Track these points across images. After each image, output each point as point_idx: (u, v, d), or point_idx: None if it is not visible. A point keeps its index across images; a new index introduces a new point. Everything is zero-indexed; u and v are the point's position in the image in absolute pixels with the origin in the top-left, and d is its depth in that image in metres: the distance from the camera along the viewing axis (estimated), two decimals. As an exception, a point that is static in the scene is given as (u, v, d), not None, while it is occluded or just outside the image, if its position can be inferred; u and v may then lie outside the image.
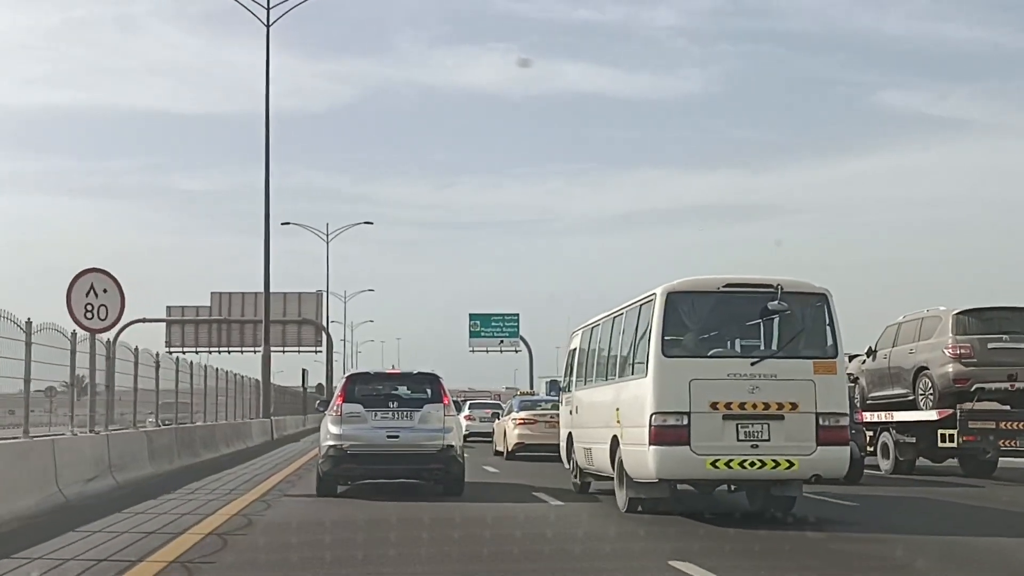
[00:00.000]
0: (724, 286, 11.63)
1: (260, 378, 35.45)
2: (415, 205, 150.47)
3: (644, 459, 11.23)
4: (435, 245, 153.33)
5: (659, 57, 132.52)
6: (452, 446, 14.39)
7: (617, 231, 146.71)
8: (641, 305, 12.24)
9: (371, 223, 60.05)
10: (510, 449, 23.83)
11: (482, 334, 56.71)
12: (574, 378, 15.53)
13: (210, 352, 52.26)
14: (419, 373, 15.30)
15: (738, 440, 11.09)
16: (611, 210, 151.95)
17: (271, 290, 57.73)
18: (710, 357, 11.49)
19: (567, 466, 15.53)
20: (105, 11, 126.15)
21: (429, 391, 14.79)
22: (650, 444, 11.08)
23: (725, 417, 11.06)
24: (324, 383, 61.46)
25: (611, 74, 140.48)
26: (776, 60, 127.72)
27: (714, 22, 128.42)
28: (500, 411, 28.66)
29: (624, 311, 13.02)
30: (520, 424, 23.58)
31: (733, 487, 12.20)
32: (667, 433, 11.06)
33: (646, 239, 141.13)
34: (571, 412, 15.35)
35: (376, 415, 14.41)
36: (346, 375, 15.79)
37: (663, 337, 11.32)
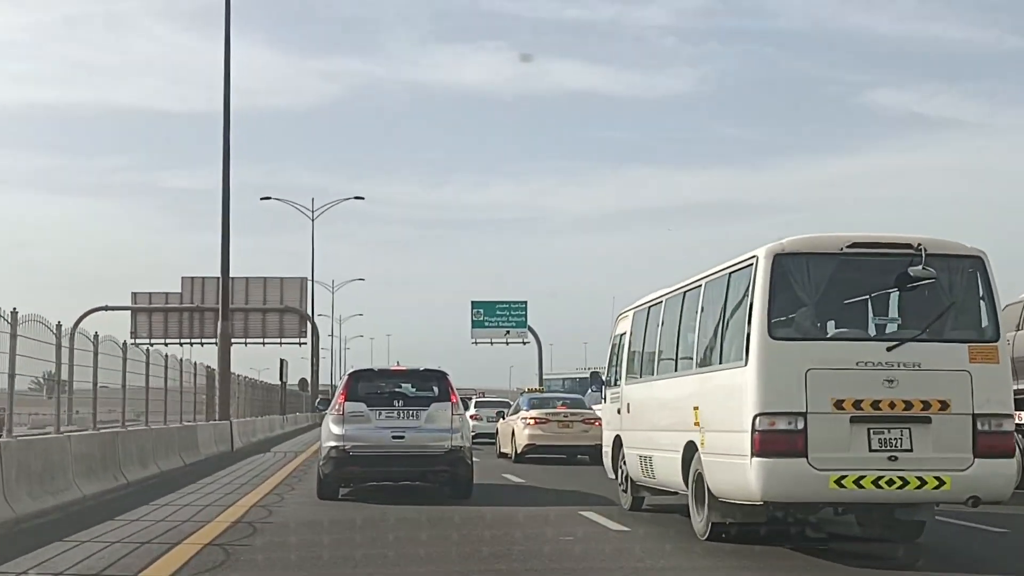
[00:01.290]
0: (848, 246, 9.40)
1: (219, 368, 28.58)
2: (406, 203, 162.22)
3: (742, 474, 9.18)
4: (426, 243, 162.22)
5: (650, 56, 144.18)
6: (460, 447, 14.49)
7: (608, 229, 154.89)
8: (731, 274, 10.15)
9: (362, 198, 59.57)
10: (519, 451, 23.40)
11: (486, 324, 54.22)
12: (623, 370, 13.83)
13: (181, 344, 50.01)
14: (425, 370, 15.30)
15: (871, 450, 8.97)
16: (602, 208, 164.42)
17: (250, 275, 57.06)
18: (832, 340, 9.43)
19: (612, 476, 13.97)
20: (94, 8, 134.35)
21: (436, 389, 14.83)
22: (753, 455, 9.00)
23: (853, 420, 8.98)
24: (309, 378, 59.69)
25: (602, 73, 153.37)
26: (767, 59, 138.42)
27: (705, 21, 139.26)
28: (504, 410, 28.45)
29: (702, 283, 10.96)
30: (531, 424, 23.27)
31: (841, 508, 10.31)
32: (777, 441, 8.96)
33: (637, 237, 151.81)
34: (619, 411, 13.68)
35: (380, 414, 14.46)
36: (349, 372, 15.72)
37: (770, 313, 9.20)
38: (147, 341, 45.37)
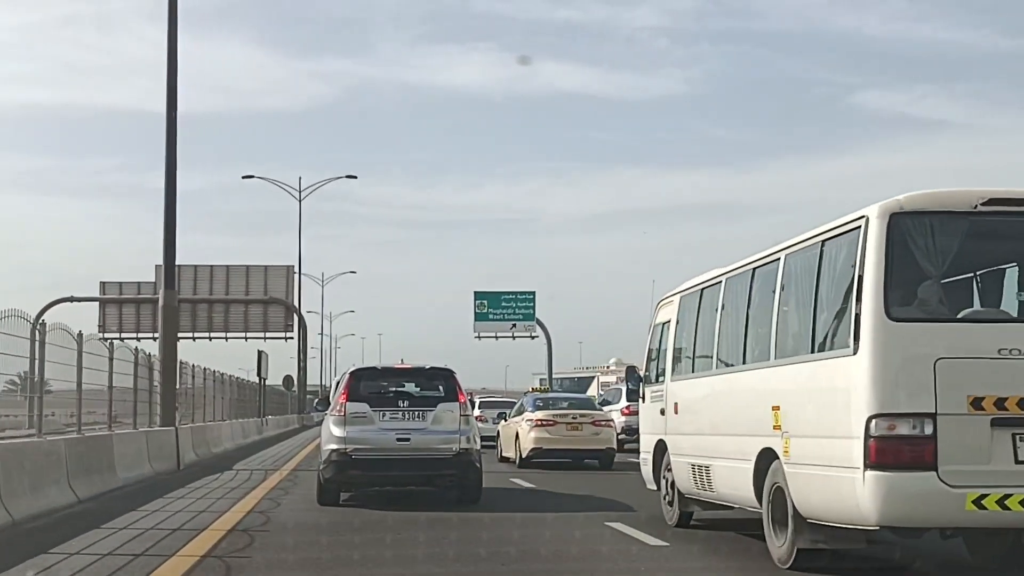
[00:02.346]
0: (984, 203, 7.91)
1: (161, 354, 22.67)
2: (397, 204, 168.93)
3: (848, 491, 7.76)
4: (417, 244, 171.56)
5: (641, 57, 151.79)
6: (469, 450, 14.45)
7: (600, 230, 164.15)
8: (825, 242, 8.66)
9: (354, 176, 58.78)
10: (524, 455, 23.00)
11: (490, 316, 52.25)
12: (667, 364, 12.64)
13: (155, 338, 48.40)
14: (431, 368, 15.14)
15: (1017, 462, 7.54)
16: (593, 209, 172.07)
17: (231, 263, 55.48)
18: (967, 321, 7.96)
19: (652, 487, 13.02)
20: (84, 9, 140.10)
21: (443, 388, 14.76)
22: (867, 467, 7.59)
23: (995, 423, 7.56)
24: (296, 375, 58.09)
25: (593, 74, 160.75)
26: (757, 61, 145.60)
27: (696, 22, 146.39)
28: (506, 411, 27.88)
29: (781, 257, 9.52)
30: (537, 426, 22.90)
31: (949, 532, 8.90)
32: (899, 450, 7.52)
33: (630, 238, 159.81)
34: (662, 412, 12.50)
35: (384, 415, 14.39)
36: (350, 370, 15.49)
37: (887, 288, 7.73)
38: (117, 335, 43.97)
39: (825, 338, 8.55)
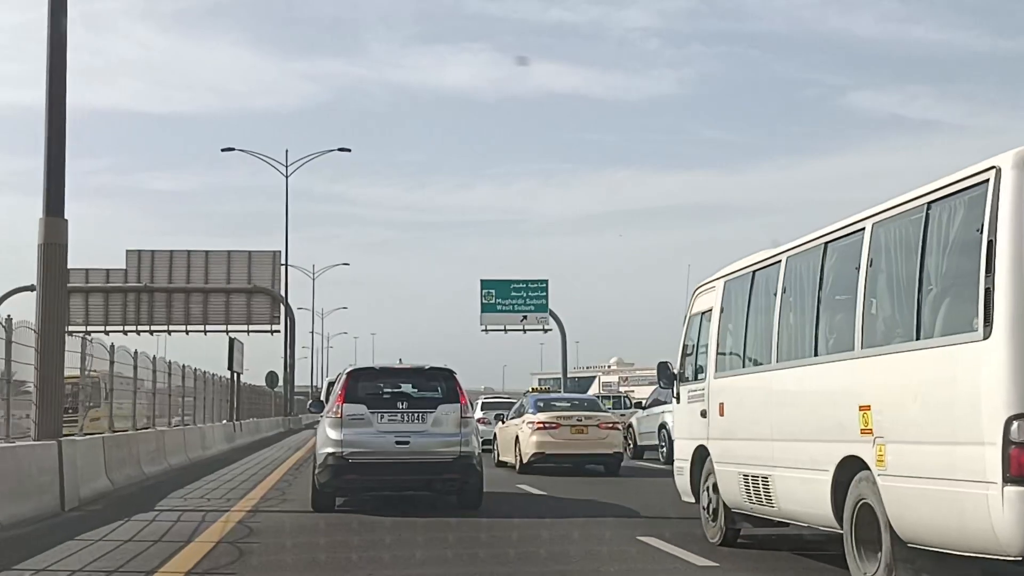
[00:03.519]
0: None
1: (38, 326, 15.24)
2: (387, 205, 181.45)
3: (977, 512, 6.74)
4: (408, 244, 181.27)
5: (633, 58, 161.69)
6: (470, 453, 14.70)
7: (591, 230, 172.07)
8: (931, 204, 7.53)
9: (348, 150, 58.19)
10: (525, 460, 22.84)
11: (498, 308, 50.44)
12: (710, 358, 11.91)
13: (126, 332, 46.74)
14: (431, 368, 15.44)
15: None
16: (585, 210, 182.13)
17: (211, 249, 54.02)
18: None
19: (689, 499, 12.45)
20: (73, 9, 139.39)
21: (443, 389, 15.03)
22: (1007, 482, 6.50)
23: None
24: (283, 372, 56.89)
25: (585, 75, 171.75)
26: (749, 62, 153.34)
27: (688, 23, 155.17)
28: (504, 413, 27.88)
29: (866, 226, 8.52)
30: (539, 429, 22.74)
31: None
32: None
33: (624, 239, 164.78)
34: (703, 413, 11.82)
35: (382, 418, 14.61)
36: (347, 370, 15.68)
37: None
38: (83, 329, 42.73)
39: (938, 321, 7.42)
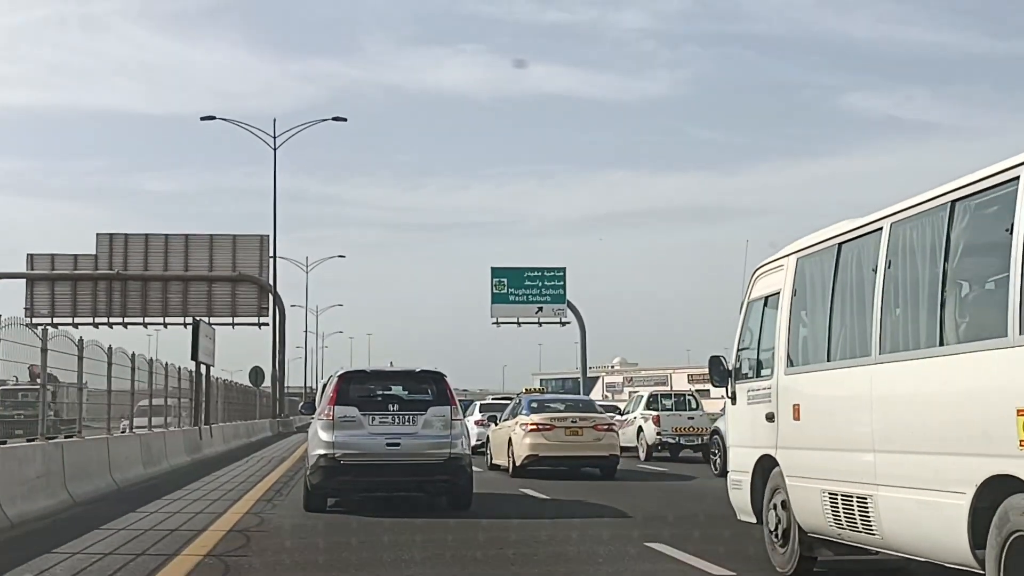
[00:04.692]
0: None
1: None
2: (383, 206, 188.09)
3: None
4: (403, 246, 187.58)
5: (628, 59, 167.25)
6: (460, 455, 15.93)
7: (587, 232, 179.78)
8: None
9: (344, 119, 58.62)
10: (519, 463, 23.52)
11: (511, 298, 49.63)
12: (779, 351, 11.07)
13: (96, 324, 45.36)
14: (422, 371, 16.78)
15: None
16: (580, 211, 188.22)
17: (192, 232, 52.36)
18: None
19: (749, 518, 11.75)
20: (69, 10, 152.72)
21: (433, 392, 16.30)
22: None
23: None
24: (272, 368, 55.27)
25: (580, 76, 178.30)
26: (744, 63, 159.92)
27: (683, 24, 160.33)
28: (496, 414, 28.91)
29: (1021, 174, 7.38)
30: (533, 430, 23.51)
31: None
32: None
33: (619, 240, 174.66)
34: (768, 416, 11.00)
35: (373, 420, 15.86)
36: (339, 373, 16.89)
37: None
38: (48, 321, 41.48)
39: None
